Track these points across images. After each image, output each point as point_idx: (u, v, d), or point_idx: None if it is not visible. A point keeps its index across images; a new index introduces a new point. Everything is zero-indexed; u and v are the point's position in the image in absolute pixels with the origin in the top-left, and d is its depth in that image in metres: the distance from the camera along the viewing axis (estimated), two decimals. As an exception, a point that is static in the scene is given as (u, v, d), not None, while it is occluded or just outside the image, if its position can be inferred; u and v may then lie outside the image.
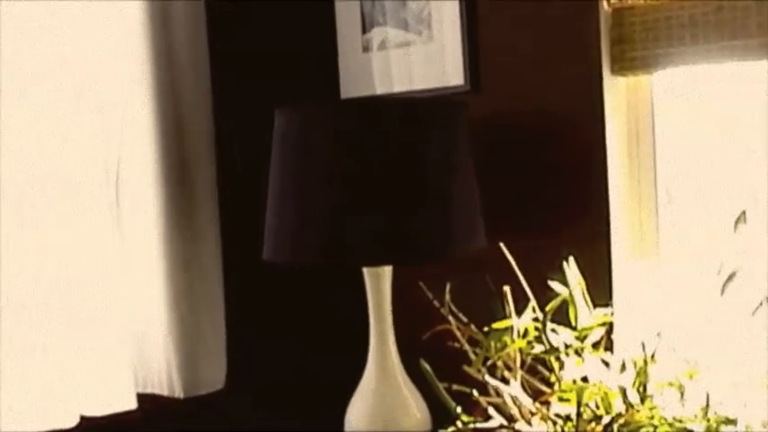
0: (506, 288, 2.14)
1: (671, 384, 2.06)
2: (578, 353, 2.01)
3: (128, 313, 2.64)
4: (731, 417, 1.93)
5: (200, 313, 2.72)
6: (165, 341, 2.67)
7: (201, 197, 2.73)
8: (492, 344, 2.14)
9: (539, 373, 2.17)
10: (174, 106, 2.67)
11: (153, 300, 2.68)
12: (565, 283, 2.09)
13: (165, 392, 2.69)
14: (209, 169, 2.75)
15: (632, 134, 2.61)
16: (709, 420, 1.93)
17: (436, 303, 2.26)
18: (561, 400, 1.97)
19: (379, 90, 2.88)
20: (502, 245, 2.20)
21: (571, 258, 2.09)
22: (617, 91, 2.55)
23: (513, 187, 2.66)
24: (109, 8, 2.56)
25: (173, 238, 2.67)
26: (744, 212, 1.97)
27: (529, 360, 2.17)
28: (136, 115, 2.62)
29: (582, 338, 2.02)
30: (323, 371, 2.95)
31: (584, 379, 2.04)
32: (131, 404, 2.61)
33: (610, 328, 2.25)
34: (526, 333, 2.13)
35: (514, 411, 2.14)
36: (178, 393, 2.67)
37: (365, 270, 2.46)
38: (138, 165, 2.64)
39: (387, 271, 2.45)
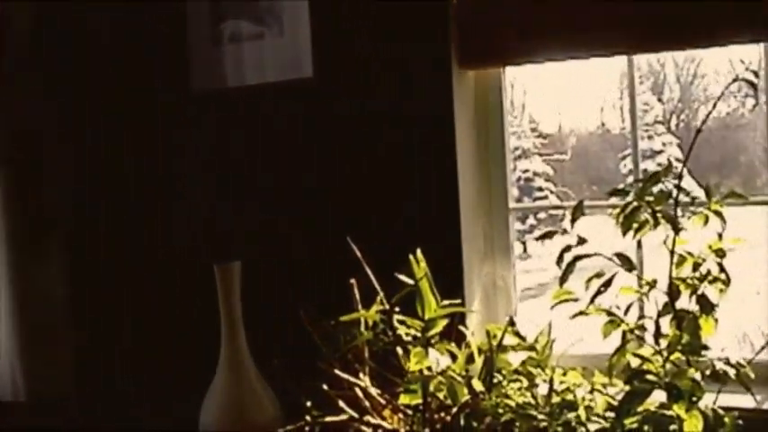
0: (353, 281, 2.13)
1: (518, 372, 2.10)
2: (426, 344, 2.01)
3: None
4: (572, 403, 1.97)
5: (46, 317, 2.64)
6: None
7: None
8: (342, 337, 2.13)
9: (393, 365, 2.17)
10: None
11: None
12: (412, 275, 2.10)
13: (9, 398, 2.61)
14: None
15: (481, 127, 2.64)
16: (551, 406, 1.97)
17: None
18: (407, 391, 1.98)
19: (231, 82, 2.84)
20: (349, 239, 2.19)
21: (418, 251, 2.09)
22: (465, 84, 2.58)
23: (363, 178, 2.66)
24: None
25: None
26: (581, 203, 2.01)
27: (380, 352, 2.17)
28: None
29: (428, 329, 2.03)
30: (177, 369, 2.89)
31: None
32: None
33: (461, 319, 2.27)
34: (375, 325, 2.12)
35: (366, 404, 2.14)
36: (22, 398, 2.59)
37: (215, 267, 2.42)
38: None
39: (236, 267, 2.42)
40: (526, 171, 7.84)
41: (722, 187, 2.02)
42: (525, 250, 7.63)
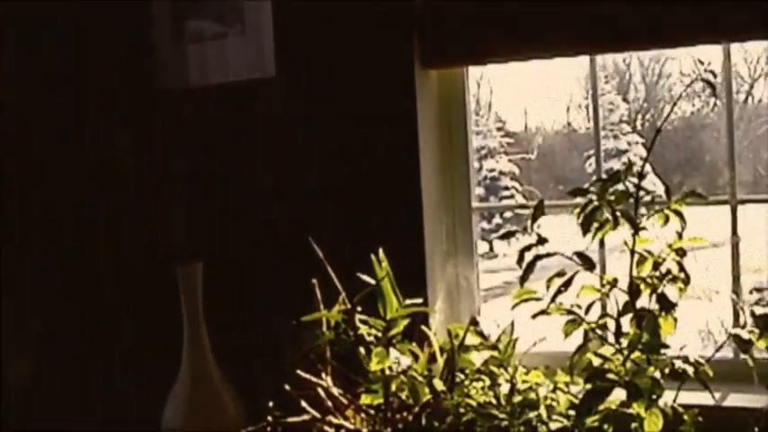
0: (314, 281, 2.12)
1: (480, 372, 2.10)
2: (387, 344, 2.01)
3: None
4: (533, 402, 1.98)
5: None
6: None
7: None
8: (305, 337, 2.13)
9: (357, 365, 2.17)
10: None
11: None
12: (374, 275, 2.09)
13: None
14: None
15: (444, 126, 2.64)
16: (513, 406, 1.97)
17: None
18: (369, 391, 1.98)
19: (194, 81, 2.83)
20: (311, 239, 2.19)
21: (380, 250, 2.09)
22: (428, 83, 2.58)
23: (325, 178, 2.66)
24: None
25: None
26: (541, 202, 2.02)
27: (343, 352, 2.17)
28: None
29: (389, 329, 2.03)
30: (142, 372, 2.88)
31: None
32: None
33: (424, 319, 2.28)
34: (338, 325, 2.12)
35: (329, 404, 2.14)
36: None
37: (177, 268, 2.41)
38: None
39: (197, 268, 2.42)
40: (492, 170, 7.86)
41: (685, 186, 2.03)
42: (492, 249, 7.65)
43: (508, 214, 7.34)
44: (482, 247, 7.62)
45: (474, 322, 2.15)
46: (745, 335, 1.92)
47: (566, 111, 8.13)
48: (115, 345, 2.89)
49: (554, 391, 2.09)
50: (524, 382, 2.09)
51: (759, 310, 1.93)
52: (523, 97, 7.94)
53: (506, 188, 7.84)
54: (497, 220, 7.49)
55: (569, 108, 7.99)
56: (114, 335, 2.90)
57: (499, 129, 8.04)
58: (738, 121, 7.60)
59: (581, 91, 7.65)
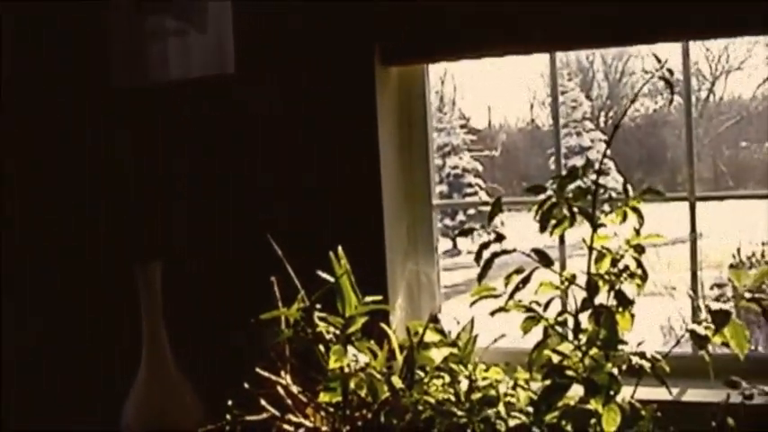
0: (273, 278, 2.11)
1: (440, 369, 2.10)
2: (345, 341, 2.00)
3: None
4: (492, 399, 1.98)
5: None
6: None
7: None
8: (266, 335, 2.12)
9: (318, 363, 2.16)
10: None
11: None
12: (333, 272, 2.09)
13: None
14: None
15: (405, 123, 2.64)
16: (471, 403, 1.97)
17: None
18: (327, 389, 1.97)
19: (153, 78, 2.81)
20: (270, 237, 2.18)
21: (339, 248, 2.08)
22: (388, 81, 2.58)
23: (285, 175, 2.65)
24: None
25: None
26: (499, 199, 2.02)
27: (304, 350, 2.15)
28: None
29: (348, 327, 2.02)
30: (101, 369, 2.85)
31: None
32: None
33: (386, 316, 2.27)
34: (297, 323, 2.11)
35: (288, 402, 2.12)
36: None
37: (136, 267, 2.40)
38: None
39: (156, 267, 2.40)
40: (456, 167, 7.88)
41: (646, 183, 2.04)
42: (455, 246, 7.67)
43: (472, 211, 7.37)
44: (446, 244, 7.64)
45: (434, 319, 2.15)
46: (701, 331, 1.93)
47: (529, 108, 8.17)
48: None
49: (514, 388, 2.09)
50: (484, 379, 2.09)
51: (716, 306, 1.94)
52: (488, 94, 7.97)
53: (470, 185, 7.86)
54: (461, 217, 7.52)
55: (533, 105, 8.03)
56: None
57: (463, 126, 8.06)
58: (700, 119, 7.67)
59: (545, 88, 7.69)
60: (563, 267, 2.44)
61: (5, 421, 2.70)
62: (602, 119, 7.70)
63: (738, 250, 5.94)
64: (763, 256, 6.04)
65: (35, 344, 2.88)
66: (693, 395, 2.32)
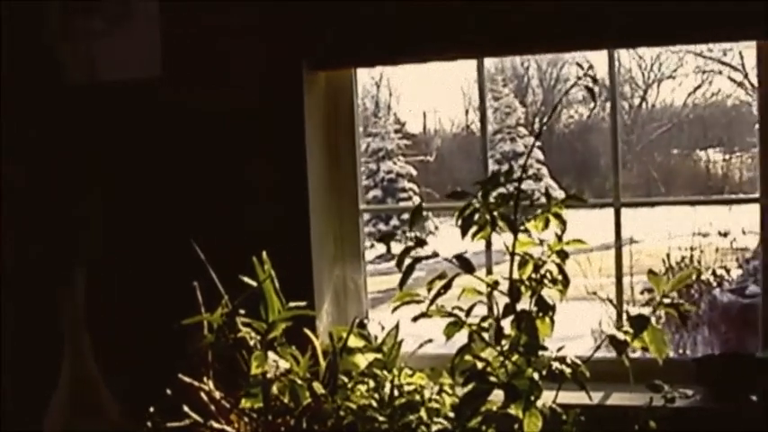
0: (195, 283, 2.10)
1: (364, 374, 2.10)
2: (267, 347, 1.99)
3: None
4: (415, 404, 1.99)
5: None
6: None
7: None
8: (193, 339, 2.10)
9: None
10: None
11: None
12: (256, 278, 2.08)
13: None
14: None
15: (332, 128, 2.64)
16: (393, 408, 1.97)
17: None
18: (248, 395, 1.96)
19: (79, 79, 2.77)
20: (192, 241, 2.16)
21: (263, 253, 2.07)
22: (316, 86, 2.57)
23: (211, 178, 2.63)
24: None
25: None
26: (420, 205, 2.03)
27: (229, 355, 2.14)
28: None
29: (270, 332, 2.01)
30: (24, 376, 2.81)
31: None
32: None
33: (312, 322, 2.26)
34: (221, 328, 2.09)
35: (211, 408, 2.11)
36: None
37: (58, 271, 2.38)
38: None
39: (79, 272, 2.38)
40: (390, 172, 7.88)
41: (573, 189, 2.06)
42: (389, 251, 7.67)
43: (406, 216, 7.37)
44: (381, 248, 7.61)
45: (359, 324, 2.15)
46: (620, 336, 1.95)
47: (464, 113, 8.21)
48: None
49: (439, 393, 2.10)
50: (409, 384, 2.09)
51: (635, 311, 1.96)
52: (424, 99, 8.00)
53: (404, 190, 7.87)
54: (395, 221, 7.52)
55: (468, 111, 8.07)
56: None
57: (398, 131, 8.07)
58: (633, 126, 7.77)
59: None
60: (489, 273, 2.45)
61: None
62: (536, 125, 7.77)
63: (668, 255, 6.01)
64: (692, 260, 6.12)
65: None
66: (618, 399, 2.34)
